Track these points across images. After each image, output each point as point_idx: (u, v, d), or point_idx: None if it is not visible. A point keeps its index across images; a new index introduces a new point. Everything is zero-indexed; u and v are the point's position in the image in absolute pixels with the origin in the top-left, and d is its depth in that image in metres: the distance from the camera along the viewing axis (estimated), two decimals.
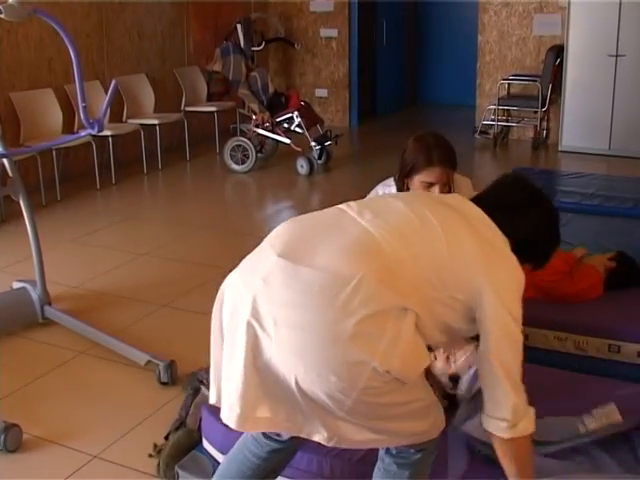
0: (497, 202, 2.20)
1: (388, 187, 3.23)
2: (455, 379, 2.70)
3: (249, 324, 1.97)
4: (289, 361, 1.95)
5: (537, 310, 3.69)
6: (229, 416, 2.05)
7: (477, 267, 2.03)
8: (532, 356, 3.42)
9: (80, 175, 7.52)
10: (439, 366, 2.73)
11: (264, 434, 2.32)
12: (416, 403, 2.10)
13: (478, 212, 2.15)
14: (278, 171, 8.21)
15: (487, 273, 2.03)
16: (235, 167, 8.12)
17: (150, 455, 3.07)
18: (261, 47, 9.11)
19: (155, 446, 3.09)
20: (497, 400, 2.05)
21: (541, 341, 3.60)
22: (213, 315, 2.14)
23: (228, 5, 9.66)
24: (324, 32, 10.37)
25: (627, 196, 5.55)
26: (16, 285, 4.54)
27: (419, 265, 2.01)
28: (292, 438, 2.28)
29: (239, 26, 8.39)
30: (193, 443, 3.01)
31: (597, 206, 5.38)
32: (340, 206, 2.17)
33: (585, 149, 8.58)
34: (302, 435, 2.09)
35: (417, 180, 3.00)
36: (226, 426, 2.15)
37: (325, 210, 2.19)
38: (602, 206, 5.37)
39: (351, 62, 10.41)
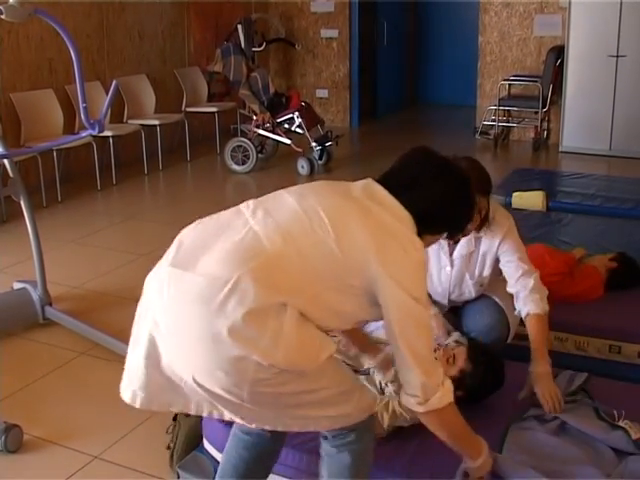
0: (400, 179, 2.23)
1: None
2: (460, 379, 2.72)
3: (150, 333, 2.10)
4: (184, 364, 2.05)
5: None
6: (133, 398, 2.15)
7: (368, 255, 2.05)
8: None
9: (81, 176, 7.52)
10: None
11: (240, 431, 2.40)
12: (326, 390, 2.13)
13: (379, 195, 2.18)
14: (279, 172, 8.21)
15: (379, 259, 2.05)
16: (236, 167, 8.12)
17: (168, 447, 3.07)
18: (262, 48, 9.12)
19: (169, 447, 3.08)
20: (407, 379, 2.14)
21: None
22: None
23: (229, 5, 9.66)
24: (325, 32, 10.37)
25: (627, 197, 5.55)
26: (17, 286, 4.54)
27: (306, 260, 2.04)
28: (269, 432, 2.33)
29: (240, 26, 8.40)
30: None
31: (598, 207, 5.39)
32: (240, 205, 2.22)
33: (586, 150, 8.58)
34: (225, 417, 2.15)
35: None
36: (226, 425, 2.17)
37: (227, 210, 2.23)
38: (603, 207, 5.38)
39: (352, 62, 10.41)
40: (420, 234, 2.19)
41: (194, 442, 3.01)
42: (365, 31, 10.59)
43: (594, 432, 2.64)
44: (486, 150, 9.13)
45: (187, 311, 2.02)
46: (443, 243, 3.18)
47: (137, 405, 2.15)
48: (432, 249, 3.13)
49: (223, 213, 2.22)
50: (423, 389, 2.12)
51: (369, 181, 2.25)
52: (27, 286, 4.42)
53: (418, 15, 12.39)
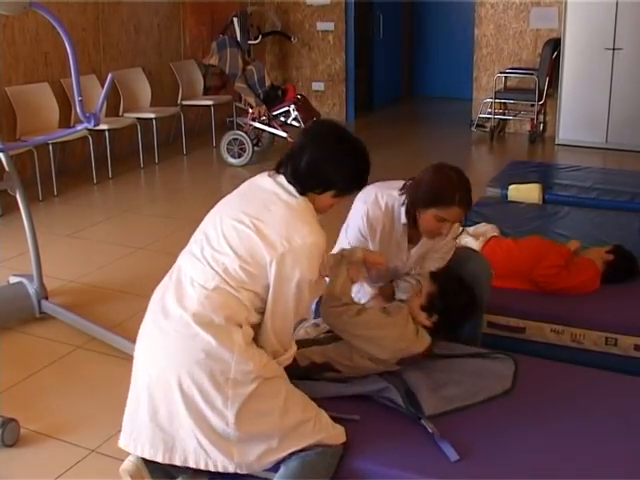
0: (286, 157, 2.62)
1: (390, 197, 3.18)
2: (431, 304, 2.90)
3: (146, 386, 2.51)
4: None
5: (534, 303, 3.71)
6: (141, 451, 2.49)
7: (258, 244, 2.38)
8: (529, 349, 3.46)
9: (77, 169, 7.51)
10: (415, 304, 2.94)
11: None
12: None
13: (273, 191, 2.53)
14: (274, 165, 8.18)
15: (268, 250, 2.37)
16: (232, 161, 8.11)
17: None
18: (257, 40, 9.10)
19: None
20: (264, 344, 2.47)
21: (538, 334, 3.60)
22: None
23: None
24: (321, 25, 10.35)
25: (623, 189, 5.55)
26: (13, 279, 4.54)
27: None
28: None
29: (235, 19, 8.37)
30: None
31: (594, 199, 5.38)
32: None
33: (582, 142, 8.58)
34: None
35: (431, 213, 2.99)
36: None
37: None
38: (599, 199, 5.38)
39: (348, 55, 10.39)
40: (304, 193, 2.49)
41: None
42: (361, 24, 10.56)
43: None
44: (482, 143, 9.13)
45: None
46: (402, 243, 3.20)
47: (146, 455, 2.45)
48: (393, 247, 3.19)
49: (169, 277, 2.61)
50: (274, 354, 2.47)
51: (260, 182, 2.64)
52: (23, 280, 4.42)
53: (414, 8, 12.37)
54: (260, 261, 2.37)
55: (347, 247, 3.06)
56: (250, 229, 2.39)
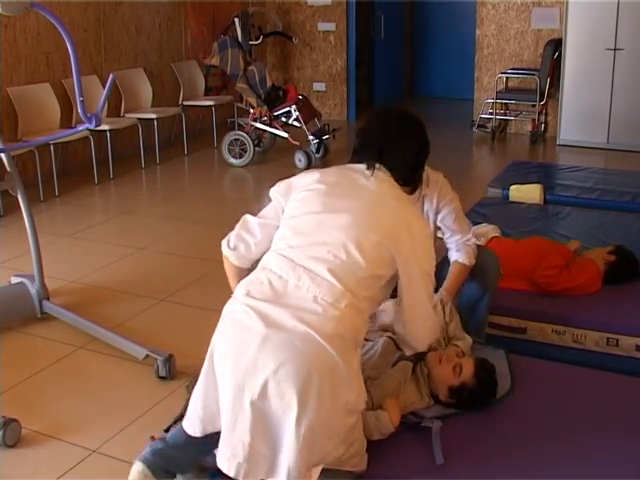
0: (372, 149, 2.48)
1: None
2: (458, 391, 2.74)
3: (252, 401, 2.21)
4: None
5: (535, 303, 3.72)
6: (237, 471, 2.25)
7: (386, 242, 2.32)
8: (530, 349, 3.46)
9: (78, 170, 7.52)
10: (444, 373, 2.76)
11: None
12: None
13: (386, 192, 2.42)
14: (276, 165, 8.20)
15: (394, 243, 2.32)
16: (233, 161, 8.11)
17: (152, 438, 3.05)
18: (259, 41, 9.10)
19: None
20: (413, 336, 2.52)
21: (539, 334, 3.61)
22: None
23: None
24: (322, 26, 10.35)
25: (625, 190, 5.56)
26: (14, 280, 4.54)
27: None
28: None
29: (237, 20, 8.37)
30: None
31: (595, 200, 5.39)
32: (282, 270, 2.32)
33: (583, 143, 8.58)
34: None
35: None
36: None
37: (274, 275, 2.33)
38: (600, 200, 5.38)
39: (349, 56, 10.40)
40: (411, 185, 2.53)
41: None
42: (362, 24, 10.57)
43: None
44: (483, 143, 9.13)
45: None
46: None
47: (241, 478, 2.24)
48: None
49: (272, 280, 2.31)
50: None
51: (360, 190, 2.42)
52: (25, 280, 4.42)
53: (415, 8, 12.37)
54: (387, 259, 2.32)
55: None
56: (379, 234, 2.31)
